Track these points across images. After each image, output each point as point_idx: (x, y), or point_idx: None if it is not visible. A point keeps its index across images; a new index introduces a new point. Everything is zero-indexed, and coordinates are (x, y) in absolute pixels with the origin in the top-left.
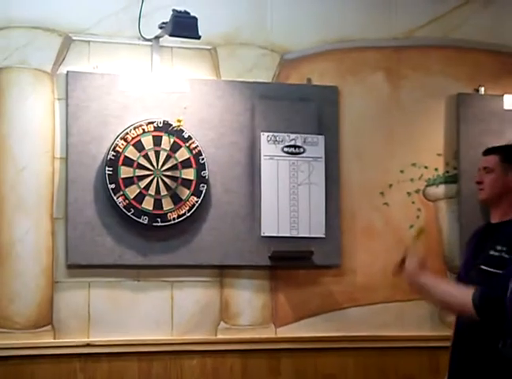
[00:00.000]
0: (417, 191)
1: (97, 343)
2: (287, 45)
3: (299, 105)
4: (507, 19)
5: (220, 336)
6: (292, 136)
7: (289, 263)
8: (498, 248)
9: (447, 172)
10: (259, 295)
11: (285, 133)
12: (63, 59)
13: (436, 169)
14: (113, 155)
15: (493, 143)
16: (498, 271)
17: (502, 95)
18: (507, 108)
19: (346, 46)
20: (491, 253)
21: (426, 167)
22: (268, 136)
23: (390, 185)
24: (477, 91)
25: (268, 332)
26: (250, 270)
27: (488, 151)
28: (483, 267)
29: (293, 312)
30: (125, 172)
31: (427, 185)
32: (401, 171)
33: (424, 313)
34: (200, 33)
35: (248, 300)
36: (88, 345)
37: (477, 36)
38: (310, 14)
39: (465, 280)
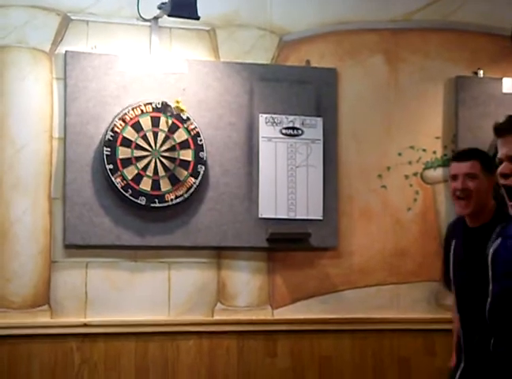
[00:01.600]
0: (415, 174)
1: (94, 323)
2: (286, 27)
3: (297, 87)
4: (506, 2)
5: (216, 317)
6: (291, 118)
7: (286, 245)
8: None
9: (445, 155)
10: (256, 277)
11: (284, 114)
12: (61, 39)
13: (434, 152)
14: (111, 136)
15: (491, 126)
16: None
17: (501, 78)
18: (506, 91)
19: (345, 28)
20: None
21: (424, 150)
22: (266, 117)
23: (388, 168)
24: (476, 74)
25: (264, 314)
26: (247, 251)
27: (467, 157)
28: (476, 269)
29: (290, 294)
30: (123, 153)
31: (424, 168)
32: (399, 154)
33: (420, 295)
34: (199, 14)
35: (245, 281)
36: (84, 325)
37: (476, 19)
38: None
39: (457, 282)
